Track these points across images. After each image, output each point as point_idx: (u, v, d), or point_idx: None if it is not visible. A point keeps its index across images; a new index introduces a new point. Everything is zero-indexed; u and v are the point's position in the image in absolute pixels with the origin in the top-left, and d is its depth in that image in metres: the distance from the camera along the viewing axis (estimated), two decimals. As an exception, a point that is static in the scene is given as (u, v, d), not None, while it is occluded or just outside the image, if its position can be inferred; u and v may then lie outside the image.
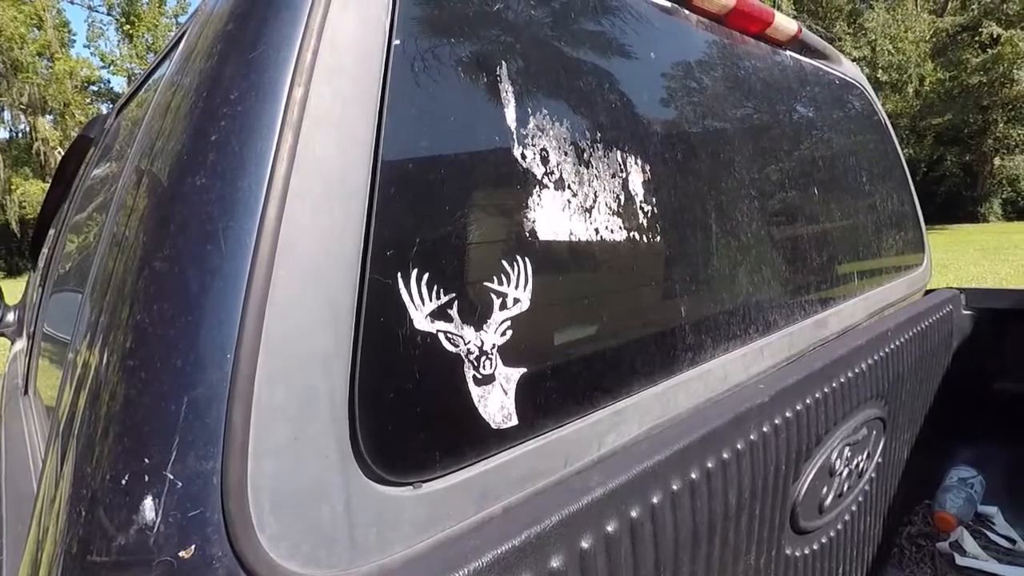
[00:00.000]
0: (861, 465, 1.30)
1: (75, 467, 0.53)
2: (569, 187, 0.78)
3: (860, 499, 1.34)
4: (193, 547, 0.47)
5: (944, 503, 1.92)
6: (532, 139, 0.74)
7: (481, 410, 0.64)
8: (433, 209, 0.64)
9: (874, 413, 1.34)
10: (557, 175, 0.77)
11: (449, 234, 0.64)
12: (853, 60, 1.88)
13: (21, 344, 2.00)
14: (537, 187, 0.74)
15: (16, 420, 1.45)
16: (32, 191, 26.17)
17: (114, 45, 33.78)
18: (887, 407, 1.40)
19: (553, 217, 0.75)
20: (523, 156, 0.73)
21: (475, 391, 0.63)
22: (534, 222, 0.73)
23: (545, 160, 0.75)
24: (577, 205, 0.78)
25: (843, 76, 1.76)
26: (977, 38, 25.73)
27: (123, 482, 0.48)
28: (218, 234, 0.53)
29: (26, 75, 27.68)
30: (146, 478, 0.48)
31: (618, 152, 0.86)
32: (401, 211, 0.61)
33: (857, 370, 1.23)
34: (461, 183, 0.67)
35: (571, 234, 0.77)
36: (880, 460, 1.42)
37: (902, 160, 2.03)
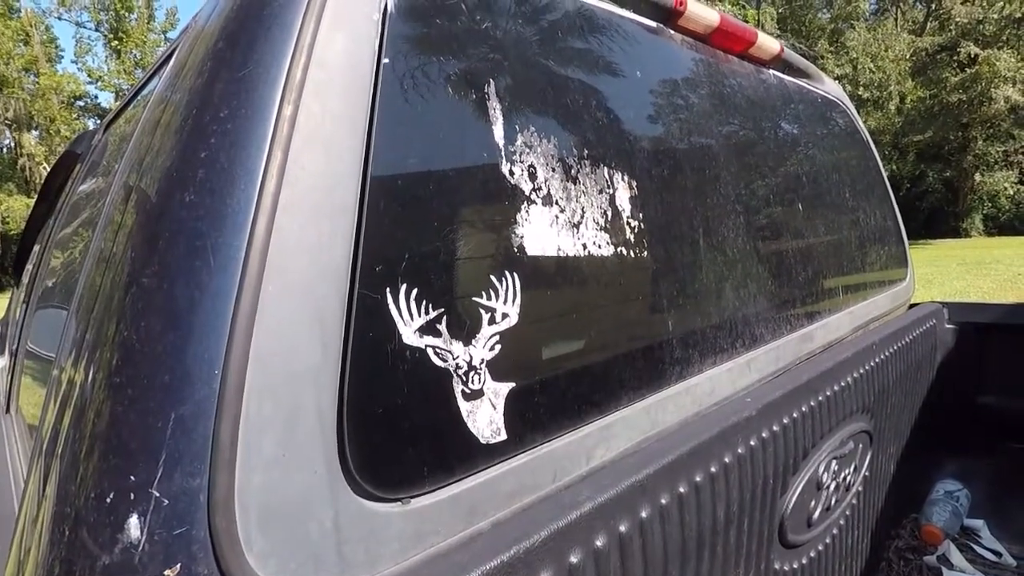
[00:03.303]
0: (848, 478, 1.31)
1: (59, 485, 0.53)
2: (557, 203, 0.79)
3: (848, 513, 1.35)
4: (179, 565, 0.47)
5: (931, 516, 1.93)
6: (520, 155, 0.75)
7: (470, 425, 0.64)
8: (422, 225, 0.64)
9: (860, 426, 1.35)
10: (545, 191, 0.77)
11: (438, 249, 0.65)
12: (835, 78, 1.92)
13: (3, 362, 1.97)
14: (525, 203, 0.75)
15: (-3, 439, 1.42)
16: (16, 207, 25.88)
17: (102, 61, 33.71)
18: (873, 420, 1.42)
19: (541, 232, 0.76)
20: (511, 172, 0.74)
21: (464, 406, 0.64)
22: (522, 237, 0.73)
23: (533, 176, 0.76)
24: (565, 221, 0.79)
25: (825, 94, 1.79)
26: (956, 57, 26.33)
27: (108, 500, 0.48)
28: (207, 250, 0.53)
29: (12, 90, 27.52)
30: (132, 496, 0.47)
31: (605, 168, 0.87)
32: (390, 227, 0.61)
33: (843, 384, 1.25)
34: (449, 199, 0.68)
35: (559, 249, 0.78)
36: (867, 473, 1.43)
37: (884, 176, 2.07)
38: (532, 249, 0.74)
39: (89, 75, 32.94)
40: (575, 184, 0.82)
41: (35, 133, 29.94)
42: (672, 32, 1.17)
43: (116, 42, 32.75)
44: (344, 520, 0.54)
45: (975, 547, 1.92)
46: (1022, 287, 9.45)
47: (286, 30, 0.59)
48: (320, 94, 0.58)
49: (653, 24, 1.12)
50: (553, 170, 0.79)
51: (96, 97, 33.48)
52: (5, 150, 30.34)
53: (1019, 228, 25.84)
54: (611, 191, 0.87)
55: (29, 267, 2.23)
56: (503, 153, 0.74)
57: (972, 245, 20.73)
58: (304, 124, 0.57)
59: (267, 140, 0.55)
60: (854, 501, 1.38)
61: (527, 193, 0.75)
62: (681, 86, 1.15)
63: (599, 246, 0.84)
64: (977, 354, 2.03)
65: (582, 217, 0.82)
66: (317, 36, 0.59)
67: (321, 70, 0.59)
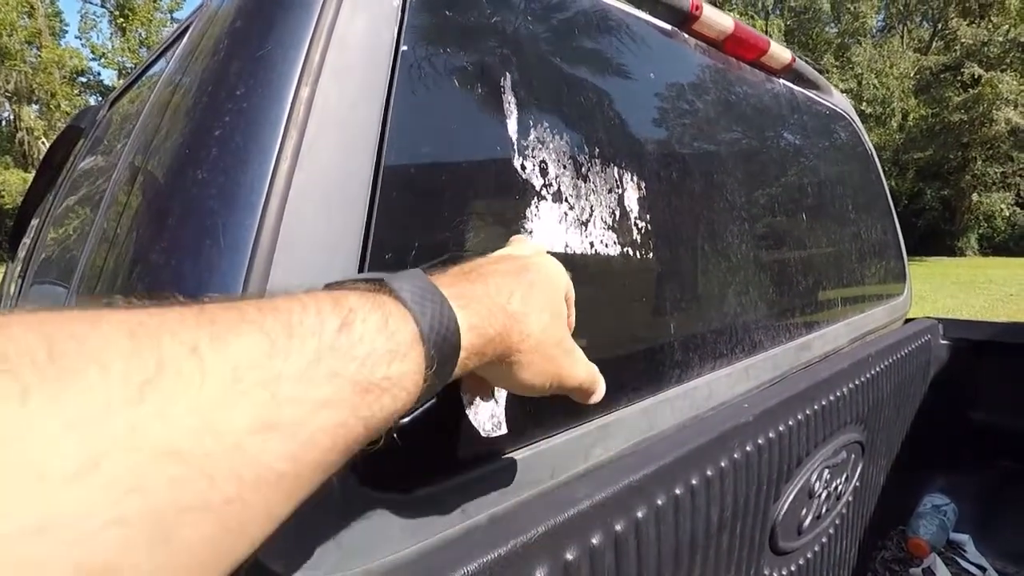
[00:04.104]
0: (839, 488, 1.32)
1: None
2: (566, 200, 0.79)
3: (837, 522, 1.36)
4: (177, 544, 0.46)
5: (918, 529, 1.94)
6: (532, 151, 0.75)
7: (472, 418, 0.64)
8: (432, 214, 0.64)
9: (853, 437, 1.35)
10: (555, 188, 0.77)
11: (447, 240, 0.65)
12: (840, 92, 1.93)
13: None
14: (535, 198, 0.74)
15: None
16: (12, 181, 25.67)
17: (106, 37, 33.47)
18: (866, 432, 1.42)
19: (549, 229, 0.76)
20: (523, 167, 0.74)
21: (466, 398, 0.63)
22: (530, 233, 0.73)
23: (544, 172, 0.76)
24: (573, 218, 0.79)
25: (833, 107, 1.80)
26: (959, 78, 26.49)
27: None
28: (217, 229, 0.52)
29: (13, 62, 27.29)
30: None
31: (615, 168, 0.87)
32: (401, 214, 0.61)
33: (838, 393, 1.25)
34: (461, 190, 0.67)
35: (566, 246, 0.78)
36: (858, 484, 1.43)
37: (886, 192, 2.08)
38: (540, 245, 0.74)
39: (93, 51, 32.72)
40: (585, 183, 0.82)
41: (35, 107, 29.74)
42: (686, 36, 1.17)
43: (122, 19, 32.52)
44: (345, 508, 0.54)
45: (960, 561, 1.93)
46: (1014, 307, 9.53)
47: (306, 12, 0.59)
48: (338, 78, 0.58)
49: (668, 27, 1.12)
50: (564, 167, 0.79)
51: (99, 74, 33.30)
52: (4, 123, 30.13)
53: (1013, 249, 26.02)
54: (620, 191, 0.87)
55: (26, 241, 2.21)
56: (515, 147, 0.73)
57: (966, 264, 20.86)
58: (321, 107, 0.56)
59: (283, 121, 0.55)
60: (844, 511, 1.38)
61: (537, 189, 0.75)
62: (693, 90, 1.15)
63: (606, 245, 0.83)
64: (970, 371, 2.04)
65: (591, 216, 0.82)
66: (337, 19, 0.59)
67: (340, 54, 0.58)
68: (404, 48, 0.63)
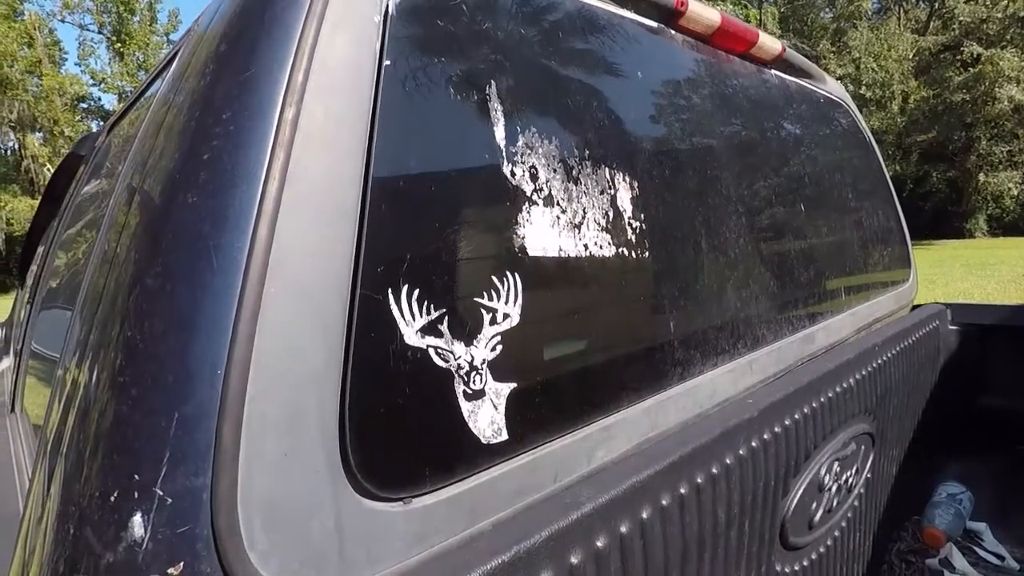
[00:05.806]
0: (850, 480, 1.31)
1: (63, 485, 0.53)
2: (558, 203, 0.79)
3: (849, 515, 1.35)
4: (182, 564, 0.47)
5: (933, 519, 1.92)
6: (521, 156, 0.76)
7: (471, 425, 0.64)
8: (424, 226, 0.64)
9: (862, 428, 1.34)
10: (546, 192, 0.78)
11: (439, 250, 0.65)
12: (838, 77, 1.91)
13: (8, 362, 1.98)
14: (526, 204, 0.75)
15: (2, 439, 1.43)
16: (20, 208, 25.95)
17: (105, 63, 33.78)
18: (875, 422, 1.41)
19: (542, 233, 0.76)
20: (512, 173, 0.74)
21: (465, 406, 0.64)
22: (524, 238, 0.74)
23: (534, 177, 0.77)
24: (566, 221, 0.79)
25: (828, 94, 1.79)
26: (959, 57, 26.27)
27: (112, 499, 0.48)
28: (210, 251, 0.53)
29: (15, 92, 27.60)
30: (136, 495, 0.47)
31: (606, 169, 0.88)
32: (392, 228, 0.61)
33: (845, 385, 1.24)
34: (451, 200, 0.68)
35: (560, 250, 0.78)
36: (869, 476, 1.42)
37: (887, 177, 2.07)
38: (533, 250, 0.74)
39: (92, 77, 33.02)
40: (576, 185, 0.82)
41: (39, 135, 30.04)
42: (673, 32, 1.17)
43: (119, 44, 32.82)
44: (346, 520, 0.54)
45: (978, 550, 1.91)
46: (1026, 288, 9.41)
47: (288, 32, 0.59)
48: (322, 96, 0.58)
49: (654, 24, 1.12)
50: (554, 171, 0.80)
51: (99, 99, 33.59)
52: (9, 152, 30.44)
53: (1023, 229, 25.74)
54: (612, 192, 0.88)
55: (33, 268, 2.24)
56: (504, 154, 0.74)
57: (976, 246, 20.66)
58: (306, 126, 0.57)
59: (269, 142, 0.55)
60: (856, 503, 1.38)
61: (528, 194, 0.75)
62: (682, 87, 1.16)
63: (600, 247, 0.84)
64: (981, 356, 2.03)
65: (583, 218, 0.82)
66: (319, 38, 0.60)
67: (323, 72, 0.59)
68: (387, 62, 0.64)
